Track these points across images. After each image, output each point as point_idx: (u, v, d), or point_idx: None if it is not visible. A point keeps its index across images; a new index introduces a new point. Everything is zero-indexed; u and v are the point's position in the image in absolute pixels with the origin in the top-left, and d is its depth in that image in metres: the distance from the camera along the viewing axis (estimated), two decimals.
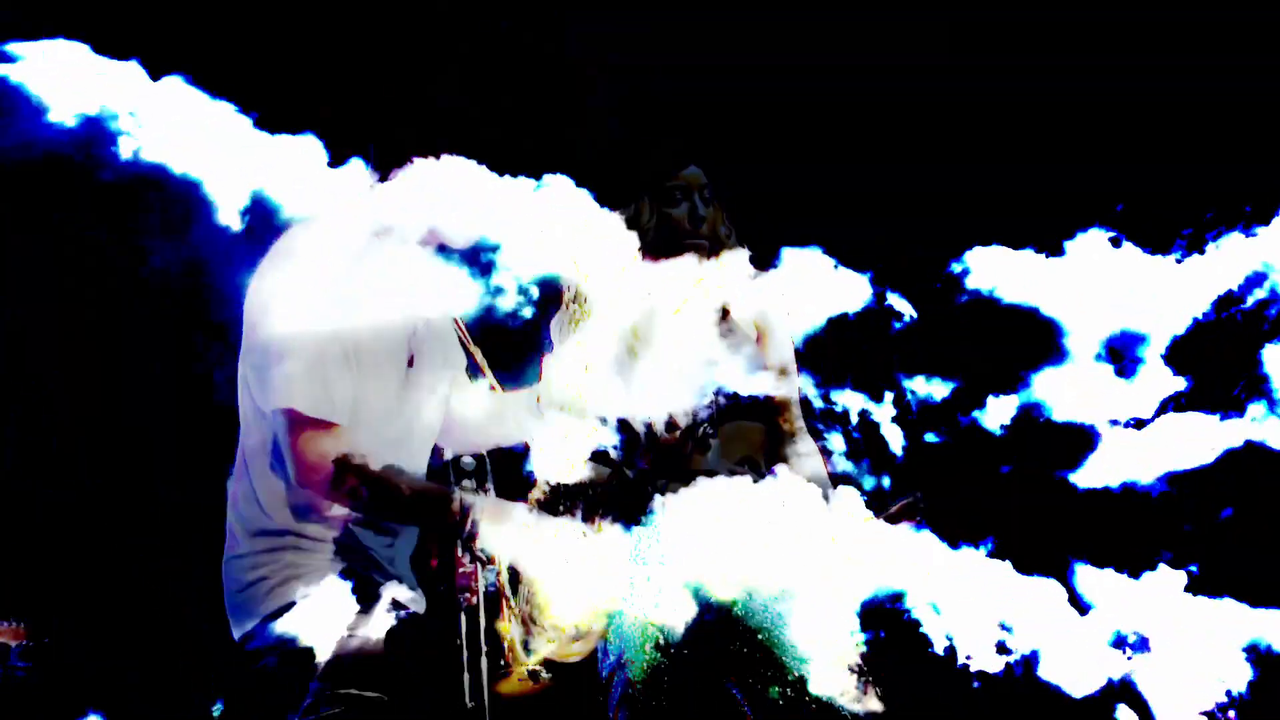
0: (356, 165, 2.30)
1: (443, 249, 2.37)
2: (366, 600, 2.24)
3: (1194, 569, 2.30)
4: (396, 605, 2.29)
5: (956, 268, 2.49)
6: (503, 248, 2.30)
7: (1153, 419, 2.38)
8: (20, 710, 3.43)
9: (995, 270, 2.46)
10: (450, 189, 2.25)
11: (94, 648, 3.66)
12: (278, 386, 2.20)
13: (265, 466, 2.31)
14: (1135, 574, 2.31)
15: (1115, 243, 2.39)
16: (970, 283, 2.47)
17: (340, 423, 2.21)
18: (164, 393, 3.90)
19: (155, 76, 2.13)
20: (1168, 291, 2.36)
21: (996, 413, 2.59)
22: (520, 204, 2.25)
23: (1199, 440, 2.34)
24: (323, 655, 2.17)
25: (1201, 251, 2.39)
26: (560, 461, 2.31)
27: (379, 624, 2.22)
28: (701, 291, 2.42)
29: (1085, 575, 2.32)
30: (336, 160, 2.27)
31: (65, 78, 2.06)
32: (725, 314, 2.68)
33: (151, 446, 3.93)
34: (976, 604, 2.27)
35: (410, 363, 2.39)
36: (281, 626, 2.21)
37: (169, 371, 3.88)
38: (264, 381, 2.24)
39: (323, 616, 2.19)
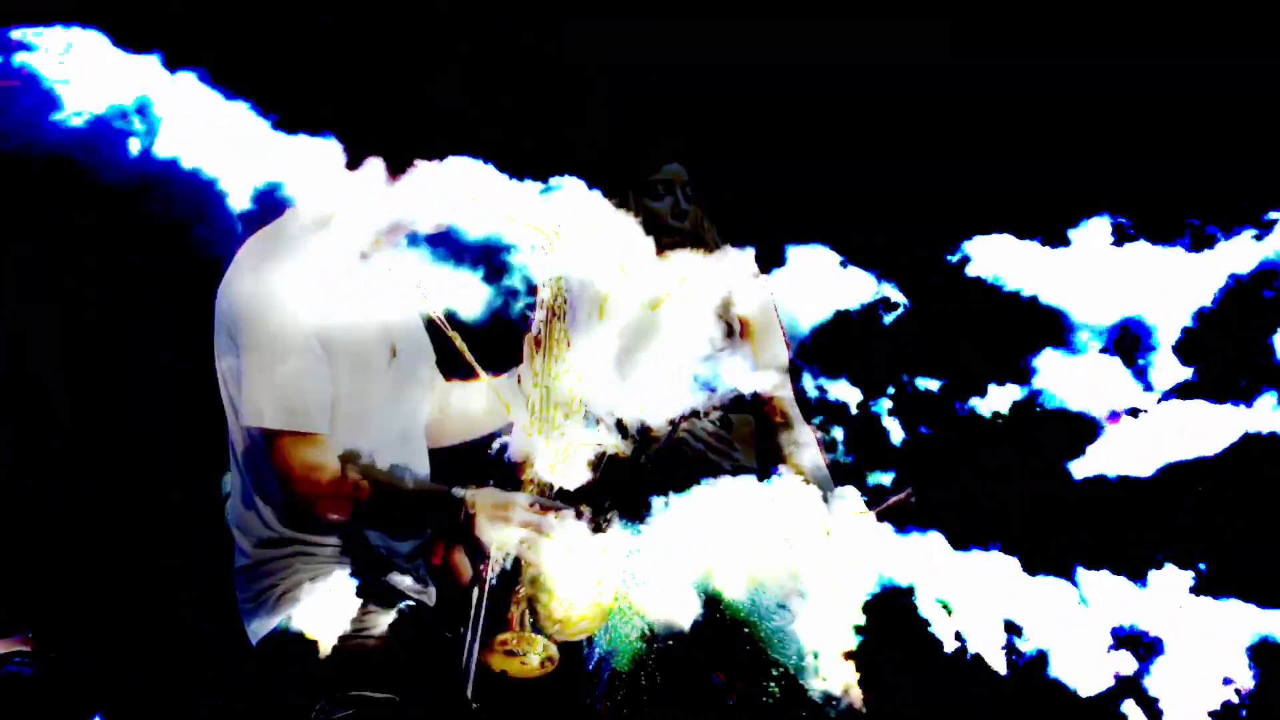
0: (373, 165, 2.27)
1: (444, 244, 2.35)
2: (375, 598, 2.23)
3: (1202, 567, 2.29)
4: (404, 599, 2.28)
5: (956, 257, 2.48)
6: (515, 248, 2.30)
7: (1158, 406, 2.36)
8: (21, 710, 3.41)
9: (998, 260, 2.45)
10: (455, 189, 2.24)
11: (94, 648, 3.65)
12: (249, 403, 2.17)
13: (256, 477, 2.28)
14: (1142, 572, 2.30)
15: (1121, 230, 2.38)
16: (972, 272, 2.46)
17: (319, 431, 2.17)
18: (164, 393, 3.88)
19: (171, 71, 2.10)
20: (1175, 281, 2.35)
21: (998, 404, 2.58)
22: (525, 204, 2.24)
23: (1206, 430, 2.33)
24: (333, 657, 2.15)
25: (1211, 246, 2.38)
26: (559, 464, 2.30)
27: (388, 622, 2.21)
28: (695, 287, 2.41)
29: (1091, 573, 2.31)
30: (354, 162, 2.24)
31: (81, 68, 2.03)
32: (724, 310, 2.67)
33: (151, 446, 3.91)
34: (984, 603, 2.26)
35: (394, 355, 2.37)
36: (292, 630, 2.19)
37: (169, 371, 3.87)
38: (239, 399, 2.22)
39: (331, 617, 2.17)
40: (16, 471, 3.83)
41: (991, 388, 2.55)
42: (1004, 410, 2.55)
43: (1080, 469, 2.42)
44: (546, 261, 2.30)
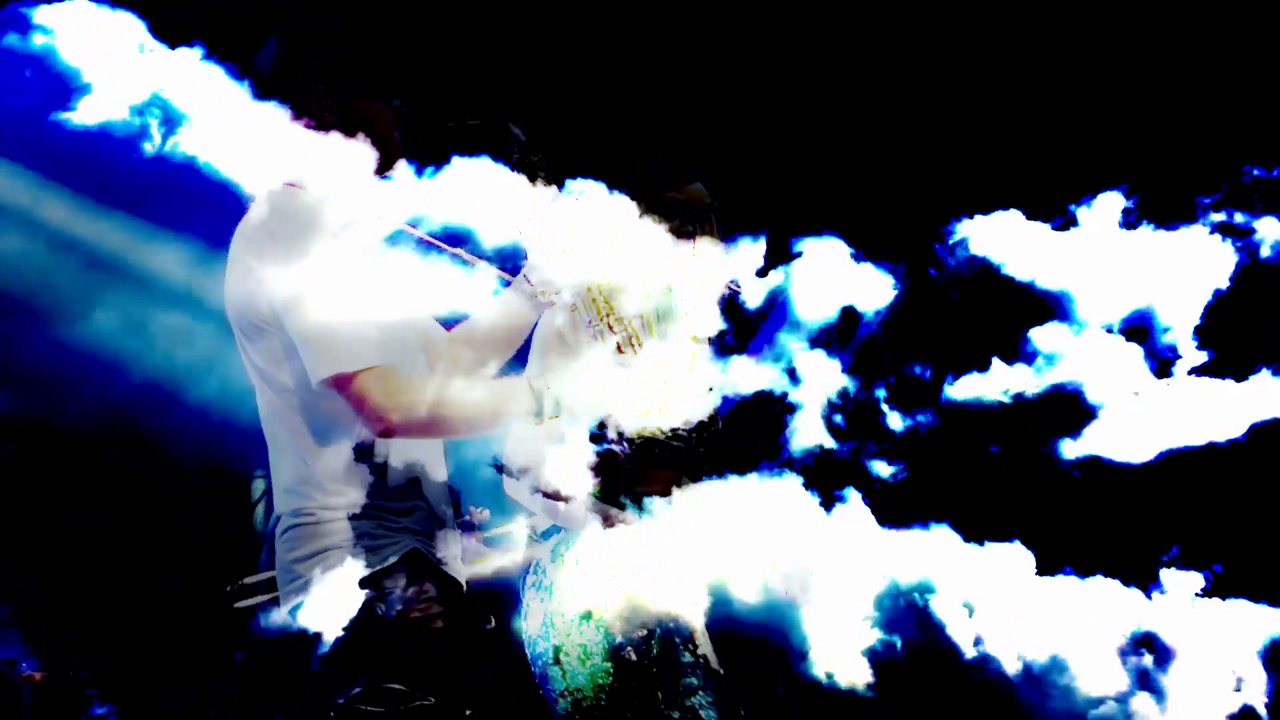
0: (403, 169, 2.26)
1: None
2: (421, 576, 2.23)
3: (1217, 568, 2.27)
4: (450, 579, 2.28)
5: (956, 238, 2.44)
6: (528, 250, 2.30)
7: (1167, 390, 2.32)
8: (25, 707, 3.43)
9: (1001, 240, 2.41)
10: (475, 190, 2.24)
11: (98, 647, 3.65)
12: (313, 361, 2.19)
13: (308, 441, 2.28)
14: (1153, 572, 2.28)
15: (1134, 207, 2.35)
16: (974, 251, 2.42)
17: (385, 362, 2.19)
18: (165, 392, 3.89)
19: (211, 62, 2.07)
20: (1188, 261, 2.31)
21: (1000, 388, 2.54)
22: (547, 208, 2.25)
23: (1217, 415, 2.29)
24: (371, 641, 2.14)
25: (1231, 223, 2.35)
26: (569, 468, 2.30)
27: (436, 608, 2.20)
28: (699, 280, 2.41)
29: (1102, 572, 2.30)
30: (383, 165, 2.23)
31: (110, 55, 1.99)
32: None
33: (151, 447, 3.91)
34: (996, 601, 2.24)
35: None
36: (330, 604, 2.16)
37: (171, 373, 3.87)
38: (304, 367, 2.22)
39: (376, 596, 2.16)
40: (17, 472, 3.84)
41: (992, 372, 2.51)
42: (1007, 396, 2.51)
43: (1074, 450, 2.38)
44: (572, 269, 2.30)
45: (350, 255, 2.19)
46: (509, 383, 2.27)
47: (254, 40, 2.37)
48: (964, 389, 2.55)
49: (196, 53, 2.04)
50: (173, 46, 2.04)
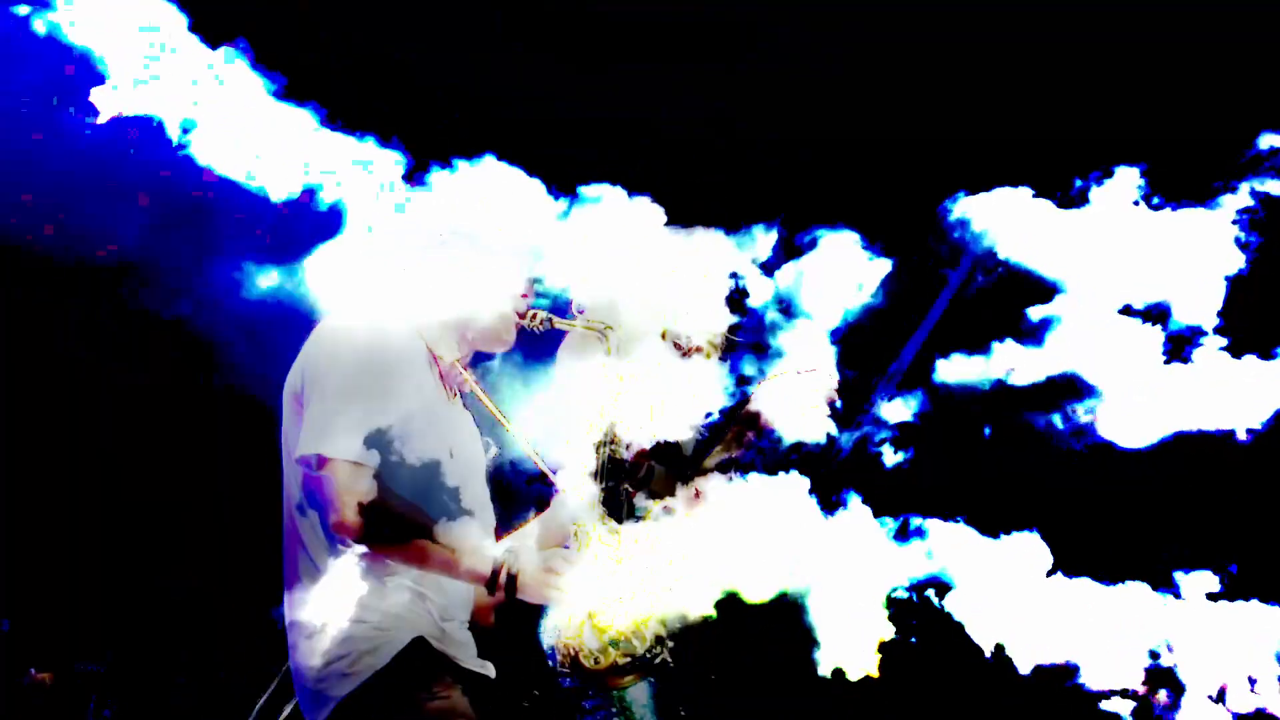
0: (437, 178, 2.26)
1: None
2: (445, 677, 2.22)
3: (1233, 569, 2.25)
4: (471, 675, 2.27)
5: (958, 217, 2.42)
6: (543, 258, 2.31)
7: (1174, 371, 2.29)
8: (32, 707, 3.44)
9: (1007, 218, 2.39)
10: (498, 200, 2.24)
11: (103, 649, 3.65)
12: (305, 433, 2.19)
13: (299, 517, 2.28)
14: (1168, 574, 2.26)
15: (1150, 183, 2.33)
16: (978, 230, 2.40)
17: (363, 461, 2.16)
18: (168, 397, 3.89)
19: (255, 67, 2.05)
20: (1202, 243, 2.28)
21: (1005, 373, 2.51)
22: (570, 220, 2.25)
23: (1237, 403, 2.27)
24: None
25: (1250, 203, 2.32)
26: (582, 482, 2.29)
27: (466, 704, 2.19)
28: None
29: (1120, 574, 2.28)
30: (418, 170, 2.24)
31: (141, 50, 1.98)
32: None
33: (153, 449, 3.91)
34: (1012, 600, 2.23)
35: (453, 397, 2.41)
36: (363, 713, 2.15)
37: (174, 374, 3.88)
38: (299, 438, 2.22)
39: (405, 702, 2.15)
40: (19, 470, 3.83)
41: (994, 356, 2.49)
42: (1009, 380, 2.48)
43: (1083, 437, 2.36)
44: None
45: (401, 372, 2.22)
46: (478, 545, 2.22)
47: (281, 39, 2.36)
48: (963, 373, 2.53)
49: (230, 50, 2.04)
50: (214, 45, 2.04)
